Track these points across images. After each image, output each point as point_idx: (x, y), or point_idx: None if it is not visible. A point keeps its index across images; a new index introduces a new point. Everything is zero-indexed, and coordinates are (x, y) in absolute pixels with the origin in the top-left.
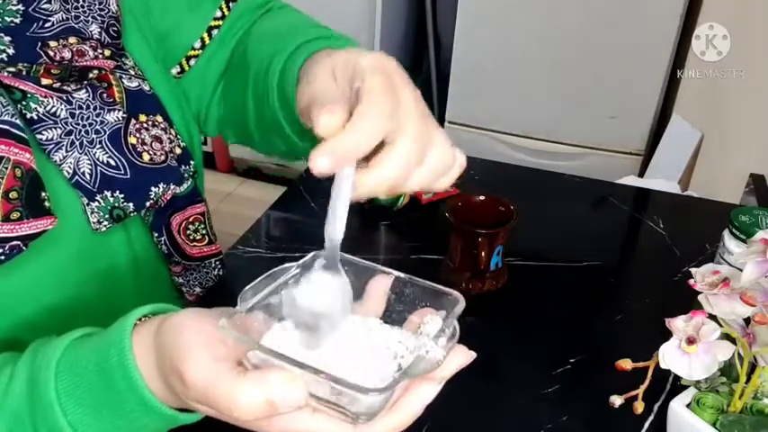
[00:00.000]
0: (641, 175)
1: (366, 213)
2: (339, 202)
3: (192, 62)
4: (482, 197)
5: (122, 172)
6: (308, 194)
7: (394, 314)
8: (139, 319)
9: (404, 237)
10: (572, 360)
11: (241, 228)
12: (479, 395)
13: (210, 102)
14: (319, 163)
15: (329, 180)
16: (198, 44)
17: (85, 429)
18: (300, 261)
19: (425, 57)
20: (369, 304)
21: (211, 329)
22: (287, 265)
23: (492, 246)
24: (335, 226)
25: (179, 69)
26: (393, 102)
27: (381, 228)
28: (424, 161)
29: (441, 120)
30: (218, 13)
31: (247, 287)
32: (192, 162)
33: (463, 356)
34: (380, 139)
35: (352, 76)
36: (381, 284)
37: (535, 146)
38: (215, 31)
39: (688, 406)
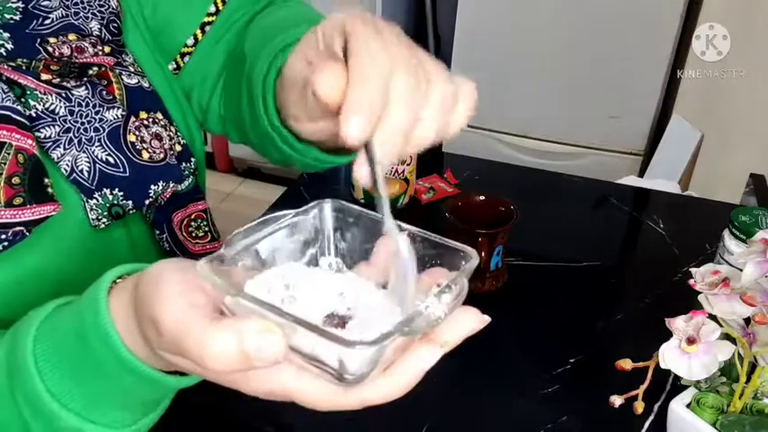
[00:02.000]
0: (641, 175)
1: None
2: (376, 167)
3: (187, 59)
4: (482, 197)
5: (121, 170)
6: (308, 194)
7: None
8: (120, 278)
9: None
10: (572, 360)
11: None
12: (479, 395)
13: (210, 99)
14: (353, 127)
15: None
16: (191, 41)
17: (66, 396)
18: (301, 209)
19: None
20: (377, 264)
21: (191, 277)
22: (282, 212)
23: (492, 246)
24: (383, 184)
25: (174, 66)
26: (381, 39)
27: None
28: (428, 97)
29: None
30: (212, 9)
31: (236, 231)
32: (192, 159)
33: (474, 320)
34: (391, 80)
35: (330, 36)
36: (390, 243)
37: (535, 146)
38: (208, 28)
39: (688, 406)
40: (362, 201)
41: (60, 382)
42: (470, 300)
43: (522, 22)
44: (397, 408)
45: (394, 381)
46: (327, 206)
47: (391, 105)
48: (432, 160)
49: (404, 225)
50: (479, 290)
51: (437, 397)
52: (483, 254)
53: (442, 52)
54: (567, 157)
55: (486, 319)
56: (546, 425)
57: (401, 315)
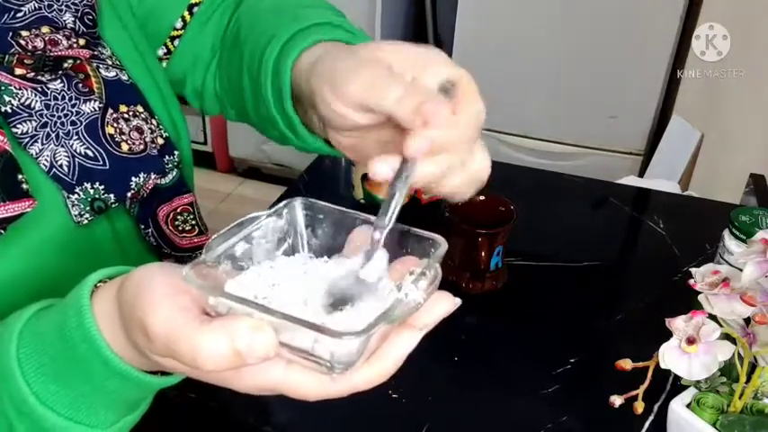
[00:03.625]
0: (641, 175)
1: (366, 211)
2: (402, 185)
3: (176, 42)
4: (482, 197)
5: (101, 163)
6: (308, 194)
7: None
8: (103, 282)
9: None
10: (572, 360)
11: None
12: (479, 395)
13: (204, 79)
14: (418, 146)
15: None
16: (179, 24)
17: (51, 398)
18: (273, 209)
19: None
20: (350, 256)
21: (176, 281)
22: (256, 213)
23: (492, 246)
24: (392, 210)
25: (165, 51)
26: (481, 104)
27: None
28: (466, 165)
29: None
30: None
31: (214, 236)
32: (176, 152)
33: (447, 303)
34: (473, 140)
35: (424, 68)
36: (364, 236)
37: (535, 146)
38: (195, 9)
39: (688, 406)
40: (362, 201)
41: (45, 384)
42: (471, 300)
43: (521, 21)
44: (397, 408)
45: (379, 366)
46: (298, 204)
47: (437, 157)
48: None
49: (374, 218)
50: (479, 290)
51: (437, 397)
52: (483, 254)
53: None
54: (567, 157)
55: (458, 301)
56: (546, 425)
57: (377, 296)
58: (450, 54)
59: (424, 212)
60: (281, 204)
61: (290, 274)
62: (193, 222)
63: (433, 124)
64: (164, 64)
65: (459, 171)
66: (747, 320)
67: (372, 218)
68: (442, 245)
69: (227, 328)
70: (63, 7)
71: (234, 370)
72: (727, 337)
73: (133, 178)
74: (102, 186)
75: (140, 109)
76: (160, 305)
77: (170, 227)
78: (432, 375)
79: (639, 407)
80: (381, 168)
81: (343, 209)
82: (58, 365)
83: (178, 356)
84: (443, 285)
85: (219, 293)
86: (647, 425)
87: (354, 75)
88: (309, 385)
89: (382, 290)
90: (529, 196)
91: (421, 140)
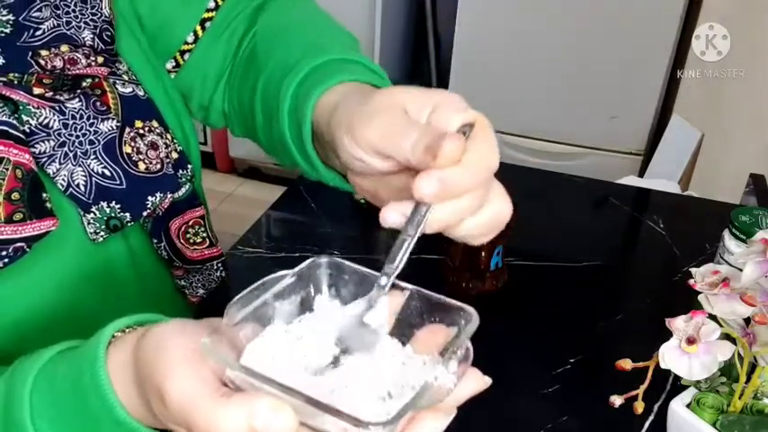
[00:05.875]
0: (641, 175)
1: (366, 213)
2: (414, 232)
3: (187, 56)
4: None
5: (118, 182)
6: (308, 194)
7: (397, 329)
8: (122, 331)
9: None
10: (572, 360)
11: (241, 228)
12: (479, 395)
13: (213, 95)
14: (428, 187)
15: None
16: (191, 38)
17: None
18: (296, 269)
19: (425, 57)
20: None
21: (196, 345)
22: (280, 273)
23: (492, 246)
24: (401, 257)
25: (174, 64)
26: (495, 146)
27: (381, 227)
28: (482, 209)
29: None
30: (212, 4)
31: (235, 298)
32: (189, 166)
33: (476, 382)
34: (484, 185)
35: (440, 111)
36: (393, 303)
37: (535, 146)
38: (208, 24)
39: (688, 406)
40: (362, 201)
41: None
42: (471, 300)
43: (521, 22)
44: None
45: None
46: (322, 263)
47: (468, 196)
48: None
49: (404, 284)
50: (479, 290)
51: None
52: (483, 254)
53: (442, 53)
54: (567, 157)
55: (488, 380)
56: (546, 425)
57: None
58: (450, 54)
59: None
60: (306, 263)
61: (310, 334)
62: (204, 234)
63: (443, 158)
64: (171, 77)
65: (475, 216)
66: (747, 320)
67: (402, 283)
68: (474, 319)
69: (247, 405)
70: (82, 24)
71: None
72: (727, 337)
73: (149, 197)
74: (119, 206)
75: (155, 124)
76: (179, 373)
77: (182, 240)
78: None
79: (639, 407)
80: (392, 216)
81: (368, 270)
82: (68, 418)
83: (194, 429)
84: (444, 285)
85: (237, 368)
86: (647, 425)
87: (371, 121)
88: None
89: (410, 364)
90: (529, 196)
91: (431, 180)
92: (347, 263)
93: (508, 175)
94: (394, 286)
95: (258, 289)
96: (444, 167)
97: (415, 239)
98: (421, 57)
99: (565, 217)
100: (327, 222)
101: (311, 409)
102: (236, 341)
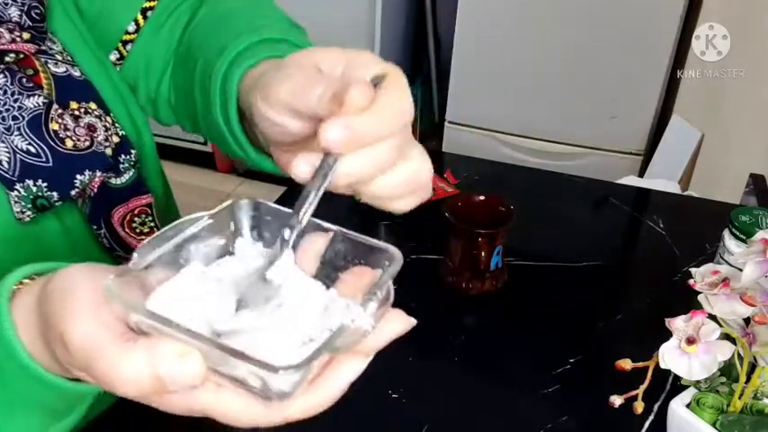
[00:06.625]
0: (641, 175)
1: (365, 212)
2: (320, 183)
3: (129, 47)
4: (482, 197)
5: (44, 159)
6: None
7: (322, 273)
8: (31, 278)
9: (403, 236)
10: (572, 360)
11: None
12: (479, 395)
13: (159, 87)
14: (333, 133)
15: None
16: (132, 27)
17: None
18: (214, 210)
19: (425, 57)
20: (300, 265)
21: (102, 288)
22: (197, 214)
23: (492, 246)
24: (308, 208)
25: (118, 56)
26: (409, 100)
27: (381, 227)
28: (395, 168)
29: (441, 119)
30: None
31: (146, 240)
32: (132, 152)
33: (400, 323)
34: (398, 135)
35: (352, 66)
36: (317, 245)
37: (535, 146)
38: (149, 13)
39: (688, 406)
40: (360, 200)
41: None
42: (471, 300)
43: (521, 21)
44: (397, 408)
45: (318, 396)
46: (243, 205)
47: (380, 147)
48: (431, 160)
49: (327, 225)
50: (479, 290)
51: (437, 397)
52: (483, 254)
53: (442, 53)
54: (567, 157)
55: (413, 321)
56: (546, 425)
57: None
58: (450, 54)
59: (424, 212)
60: (225, 204)
61: (222, 280)
62: (152, 224)
63: (349, 104)
64: (117, 69)
65: (389, 172)
66: (747, 320)
67: (325, 223)
68: (397, 258)
69: (150, 351)
70: (9, 1)
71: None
72: (727, 337)
73: (78, 176)
74: (45, 184)
75: (93, 106)
76: (82, 317)
77: (126, 229)
78: (432, 375)
79: (639, 407)
80: (301, 167)
81: (291, 210)
82: None
83: (95, 376)
84: (444, 285)
85: (141, 311)
86: (646, 425)
87: (282, 80)
88: (240, 411)
89: (333, 308)
90: (529, 196)
91: (336, 126)
92: (270, 203)
93: (508, 175)
94: (318, 227)
95: (173, 229)
96: (351, 114)
97: (321, 191)
98: (421, 57)
99: (565, 217)
100: (326, 222)
101: (220, 353)
102: (147, 284)
